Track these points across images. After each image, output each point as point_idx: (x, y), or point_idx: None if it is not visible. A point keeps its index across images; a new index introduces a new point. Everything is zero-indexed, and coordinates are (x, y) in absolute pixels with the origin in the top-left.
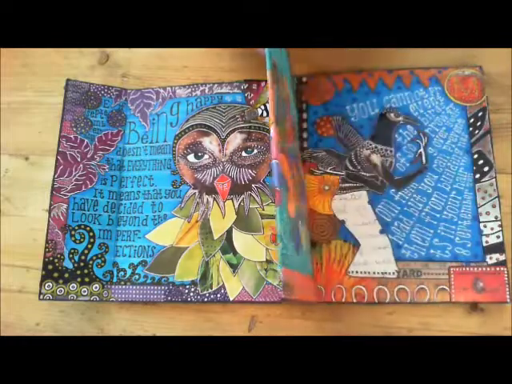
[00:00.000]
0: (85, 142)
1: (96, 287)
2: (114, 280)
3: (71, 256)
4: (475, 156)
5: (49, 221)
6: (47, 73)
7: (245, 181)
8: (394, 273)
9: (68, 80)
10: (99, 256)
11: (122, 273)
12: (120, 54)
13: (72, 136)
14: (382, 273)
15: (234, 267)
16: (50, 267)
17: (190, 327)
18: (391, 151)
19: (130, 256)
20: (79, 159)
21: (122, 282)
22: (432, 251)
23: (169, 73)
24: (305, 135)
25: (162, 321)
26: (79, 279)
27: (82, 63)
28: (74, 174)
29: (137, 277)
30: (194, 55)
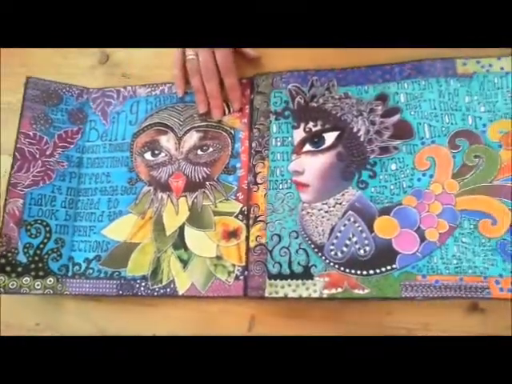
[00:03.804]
0: (44, 139)
1: (50, 281)
2: (69, 274)
3: (26, 250)
4: None
5: (3, 216)
6: (47, 73)
7: (199, 178)
8: None
9: (28, 77)
10: (55, 250)
11: (77, 267)
12: (120, 54)
13: (31, 133)
14: None
15: (184, 263)
16: (3, 261)
17: (189, 327)
18: None
19: (85, 251)
20: (38, 156)
21: (77, 276)
22: None
23: (169, 72)
24: None
25: (162, 321)
26: (33, 273)
27: (81, 63)
28: (31, 170)
29: (91, 271)
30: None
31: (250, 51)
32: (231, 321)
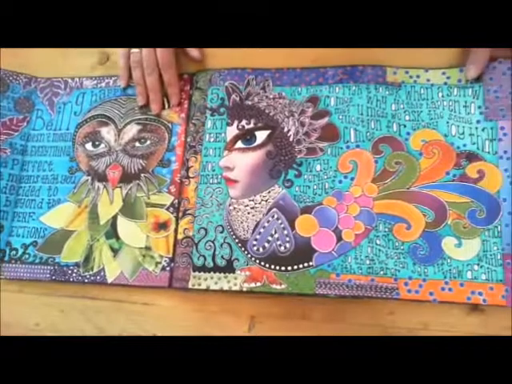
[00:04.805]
0: None
1: None
2: (6, 258)
3: None
4: None
5: None
6: (47, 73)
7: (135, 170)
8: None
9: None
10: None
11: (13, 252)
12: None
13: None
14: None
15: (115, 252)
16: None
17: (189, 327)
18: None
19: (23, 236)
20: None
21: (13, 261)
22: None
23: None
24: None
25: (162, 321)
26: None
27: (82, 63)
28: None
29: (27, 256)
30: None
31: (193, 52)
32: (231, 321)
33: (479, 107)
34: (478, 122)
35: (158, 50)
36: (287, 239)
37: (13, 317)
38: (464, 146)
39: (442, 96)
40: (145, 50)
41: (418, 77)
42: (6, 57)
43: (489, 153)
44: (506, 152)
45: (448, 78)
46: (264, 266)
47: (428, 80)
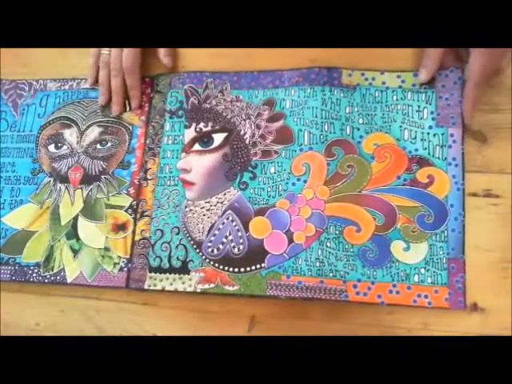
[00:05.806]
0: None
1: None
2: None
3: None
4: None
5: None
6: (47, 73)
7: (95, 172)
8: None
9: None
10: None
11: None
12: None
13: None
14: None
15: (75, 252)
16: None
17: (189, 327)
18: None
19: None
20: None
21: None
22: None
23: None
24: None
25: (162, 321)
26: None
27: (81, 63)
28: None
29: None
30: (192, 55)
31: (165, 59)
32: (231, 321)
33: (431, 113)
34: (430, 127)
35: (124, 54)
36: (241, 241)
37: (13, 317)
38: (416, 150)
39: (396, 99)
40: (114, 52)
41: (373, 79)
42: (6, 57)
43: (439, 158)
44: (454, 159)
45: (403, 81)
46: (218, 267)
47: (383, 83)
